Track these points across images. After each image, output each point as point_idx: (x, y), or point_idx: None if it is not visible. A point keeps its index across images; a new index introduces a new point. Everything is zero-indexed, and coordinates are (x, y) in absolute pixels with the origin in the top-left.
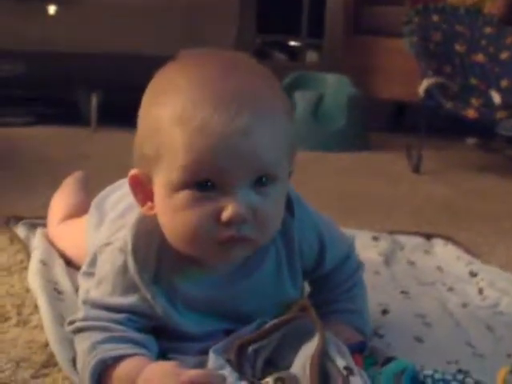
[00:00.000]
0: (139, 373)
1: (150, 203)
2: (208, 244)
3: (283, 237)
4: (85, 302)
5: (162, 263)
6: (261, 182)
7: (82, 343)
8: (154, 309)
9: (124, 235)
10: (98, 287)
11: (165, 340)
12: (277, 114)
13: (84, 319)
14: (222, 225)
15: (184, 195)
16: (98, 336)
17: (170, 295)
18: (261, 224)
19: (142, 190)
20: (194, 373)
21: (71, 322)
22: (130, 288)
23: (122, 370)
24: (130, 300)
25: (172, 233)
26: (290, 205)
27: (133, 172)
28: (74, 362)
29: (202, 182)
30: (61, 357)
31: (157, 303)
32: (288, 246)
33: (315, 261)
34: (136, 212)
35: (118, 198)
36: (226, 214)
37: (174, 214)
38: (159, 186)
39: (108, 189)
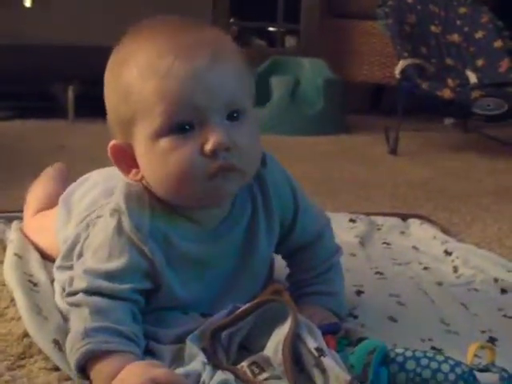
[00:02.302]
0: (119, 372)
1: (134, 170)
2: (199, 182)
3: (259, 187)
4: (86, 272)
5: (155, 219)
6: (233, 116)
7: (77, 323)
8: (153, 264)
9: (114, 199)
10: (93, 256)
11: (147, 324)
12: (232, 54)
13: (86, 291)
14: (208, 158)
15: (166, 141)
16: (94, 321)
17: (166, 250)
18: (243, 153)
19: (124, 158)
20: (158, 372)
21: (73, 293)
22: (126, 246)
23: (106, 365)
24: (128, 258)
25: (162, 182)
26: (262, 156)
27: (112, 142)
28: (54, 343)
29: (180, 125)
30: (42, 343)
31: (155, 258)
32: (264, 196)
33: (290, 220)
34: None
35: (83, 193)
36: (208, 146)
37: (160, 162)
38: (141, 143)
39: (74, 184)
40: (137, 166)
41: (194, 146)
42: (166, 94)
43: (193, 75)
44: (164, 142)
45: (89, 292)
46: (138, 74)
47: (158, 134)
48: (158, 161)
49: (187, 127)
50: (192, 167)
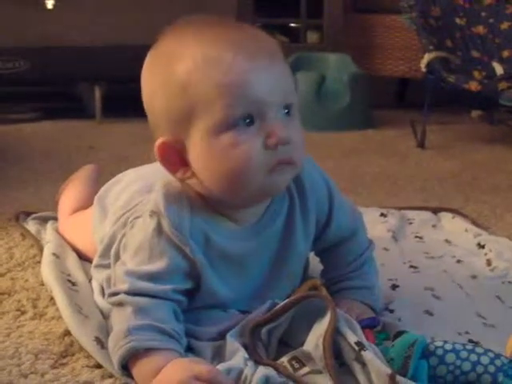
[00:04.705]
0: (161, 369)
1: (182, 168)
2: (259, 176)
3: (296, 185)
4: (127, 274)
5: (195, 219)
6: (287, 112)
7: (120, 322)
8: (194, 264)
9: (152, 200)
10: (134, 258)
11: (187, 323)
12: (280, 54)
13: (128, 292)
14: (270, 150)
15: (229, 135)
16: (137, 319)
17: (206, 249)
18: (296, 147)
19: (172, 156)
20: (201, 368)
21: (114, 294)
22: (167, 247)
23: (149, 362)
24: (170, 259)
25: (220, 178)
26: None
27: (160, 140)
28: (96, 341)
29: (242, 118)
30: (84, 341)
31: (196, 258)
32: (301, 194)
33: (325, 217)
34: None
35: (118, 192)
36: (273, 139)
37: (221, 158)
38: (199, 140)
39: (109, 183)
40: (185, 165)
41: (257, 140)
42: (228, 89)
43: (254, 72)
44: (226, 137)
45: (131, 293)
46: (194, 69)
47: (219, 129)
48: (218, 156)
49: (248, 121)
50: (255, 161)
